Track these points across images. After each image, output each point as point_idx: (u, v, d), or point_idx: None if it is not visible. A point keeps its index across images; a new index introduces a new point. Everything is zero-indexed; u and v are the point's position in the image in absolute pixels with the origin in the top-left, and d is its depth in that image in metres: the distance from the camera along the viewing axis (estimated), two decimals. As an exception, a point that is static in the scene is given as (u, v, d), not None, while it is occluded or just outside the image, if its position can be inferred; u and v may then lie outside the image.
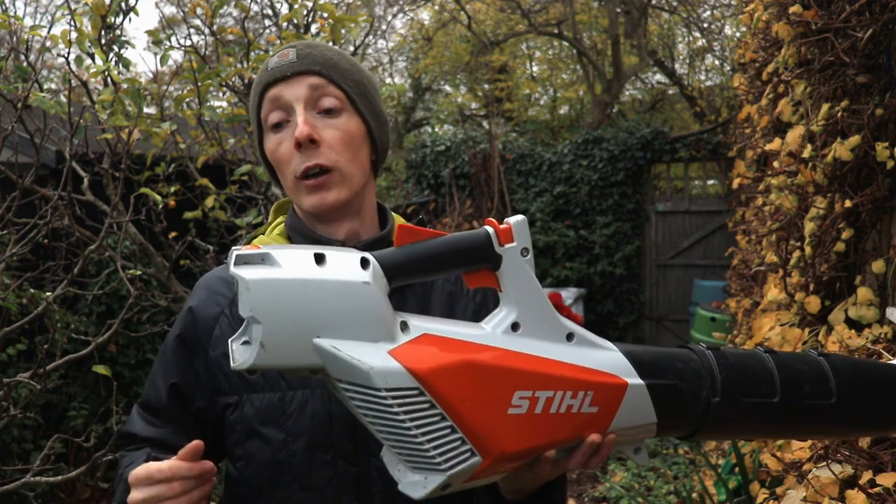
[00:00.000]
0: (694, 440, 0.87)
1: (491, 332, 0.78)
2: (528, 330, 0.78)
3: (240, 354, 0.73)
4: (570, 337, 0.80)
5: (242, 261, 0.72)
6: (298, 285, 0.71)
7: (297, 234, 1.03)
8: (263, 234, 1.08)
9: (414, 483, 0.74)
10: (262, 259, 0.72)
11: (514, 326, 0.78)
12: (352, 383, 0.72)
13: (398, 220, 1.09)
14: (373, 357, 0.71)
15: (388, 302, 0.75)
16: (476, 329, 0.79)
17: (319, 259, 0.73)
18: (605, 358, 0.80)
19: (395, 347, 0.73)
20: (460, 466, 0.73)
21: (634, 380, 0.79)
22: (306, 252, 0.74)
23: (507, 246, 0.77)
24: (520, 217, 0.79)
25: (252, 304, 0.70)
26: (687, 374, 0.81)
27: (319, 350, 0.72)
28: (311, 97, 0.97)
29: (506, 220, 0.78)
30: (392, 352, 0.72)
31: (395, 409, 0.70)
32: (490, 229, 0.78)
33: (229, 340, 0.77)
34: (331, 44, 2.78)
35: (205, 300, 1.03)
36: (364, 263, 0.74)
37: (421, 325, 0.76)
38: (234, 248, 0.74)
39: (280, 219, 1.09)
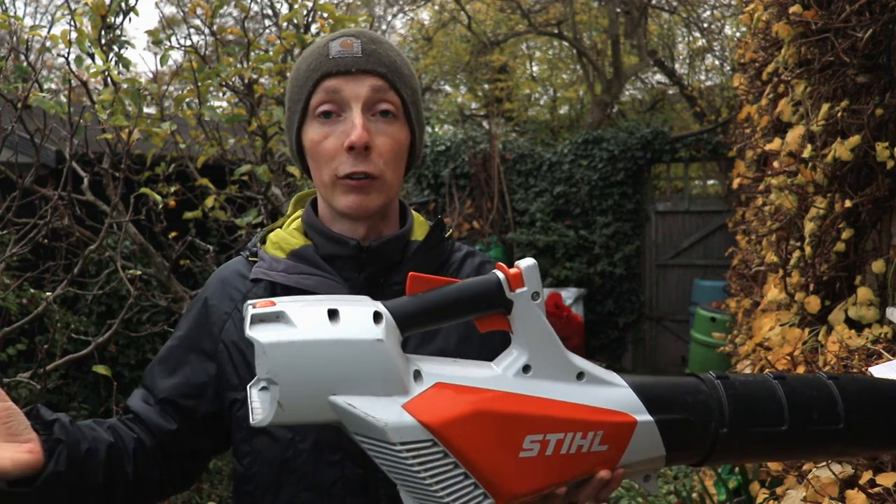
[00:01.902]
0: (702, 467, 0.89)
1: (502, 374, 0.79)
2: (539, 372, 0.80)
3: (259, 411, 0.75)
4: (580, 376, 0.81)
5: (258, 319, 0.73)
6: (313, 347, 0.73)
7: (313, 231, 1.02)
8: (281, 227, 1.07)
9: None
10: (277, 317, 0.73)
11: (526, 369, 0.79)
12: (368, 437, 0.74)
13: (417, 218, 1.08)
14: (387, 413, 0.73)
15: (402, 353, 0.77)
16: (488, 371, 0.80)
17: (333, 315, 0.74)
18: (615, 396, 0.81)
19: (408, 401, 0.74)
20: None
21: (644, 416, 0.80)
22: (320, 308, 0.75)
23: (517, 291, 0.78)
24: (530, 261, 0.79)
25: (269, 366, 0.72)
26: (696, 407, 0.82)
27: (335, 407, 0.74)
28: (370, 98, 0.93)
29: (516, 263, 0.79)
30: (406, 406, 0.74)
31: (410, 462, 0.73)
32: (501, 275, 0.78)
33: (248, 386, 0.78)
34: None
35: (219, 294, 1.02)
36: (377, 318, 0.75)
37: (434, 371, 0.78)
38: (248, 304, 0.75)
39: (298, 212, 1.08)
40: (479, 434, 0.75)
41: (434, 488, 0.74)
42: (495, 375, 0.79)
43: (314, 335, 0.73)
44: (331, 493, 0.94)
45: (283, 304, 0.75)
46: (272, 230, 1.07)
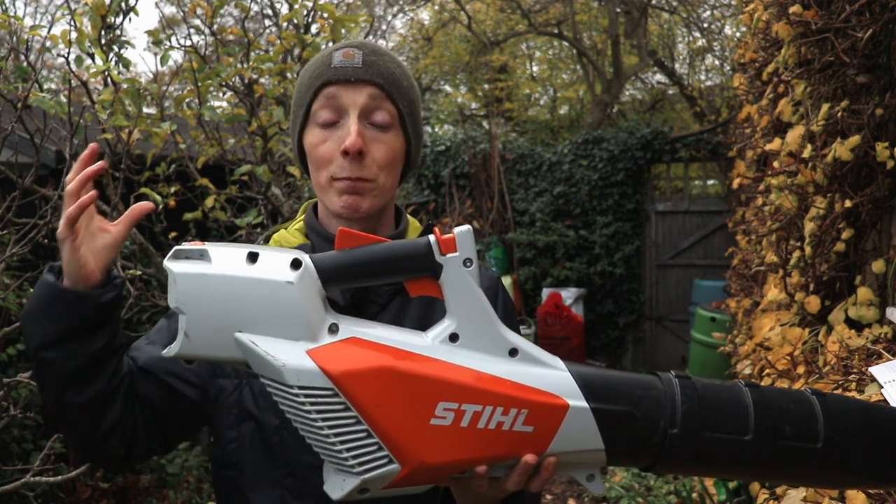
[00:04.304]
0: (656, 473, 0.81)
1: (429, 342, 0.77)
2: (468, 342, 0.77)
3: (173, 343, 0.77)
4: (513, 352, 0.77)
5: (183, 255, 0.75)
6: (222, 281, 0.74)
7: (313, 232, 1.06)
8: (286, 229, 1.11)
9: (333, 483, 0.74)
10: (201, 255, 0.75)
11: (453, 337, 0.77)
12: (270, 379, 0.73)
13: (413, 222, 1.11)
14: (288, 355, 0.72)
15: (319, 303, 0.76)
16: (414, 337, 0.78)
17: (252, 258, 0.75)
18: (549, 377, 0.76)
19: (314, 347, 0.73)
20: (375, 472, 0.73)
21: (578, 402, 0.75)
22: (241, 250, 0.76)
23: (448, 256, 0.76)
24: (465, 227, 0.77)
25: (177, 295, 0.74)
26: (644, 402, 0.76)
27: (239, 344, 0.74)
28: (367, 107, 0.98)
29: (454, 229, 0.77)
30: (310, 351, 0.72)
31: (308, 408, 0.71)
32: (432, 238, 0.77)
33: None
34: (330, 44, 2.79)
35: None
36: (296, 264, 0.75)
37: (353, 328, 0.76)
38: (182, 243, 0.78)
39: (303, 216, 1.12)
40: (385, 392, 0.72)
41: (332, 440, 0.72)
42: (420, 342, 0.77)
43: (225, 271, 0.74)
44: (312, 480, 0.95)
45: (211, 245, 0.77)
46: (277, 230, 1.12)
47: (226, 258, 0.75)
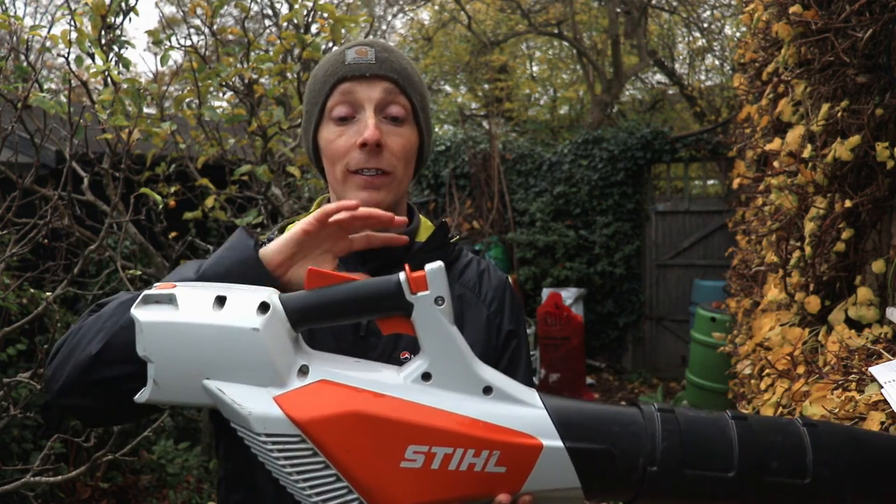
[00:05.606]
0: None
1: (401, 381, 0.76)
2: (440, 381, 0.76)
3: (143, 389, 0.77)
4: (487, 390, 0.76)
5: (153, 300, 0.75)
6: (188, 329, 0.73)
7: None
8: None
9: None
10: (170, 300, 0.75)
11: (426, 376, 0.76)
12: (239, 425, 0.74)
13: (425, 222, 1.13)
14: (254, 402, 0.72)
15: (288, 345, 0.75)
16: (387, 375, 0.77)
17: (220, 302, 0.75)
18: (524, 416, 0.75)
19: (282, 394, 0.73)
20: None
21: (553, 442, 0.74)
22: (210, 293, 0.76)
23: (419, 294, 0.75)
24: (437, 264, 0.76)
25: (144, 344, 0.74)
26: (622, 439, 0.75)
27: (208, 391, 0.74)
28: (382, 101, 1.00)
29: (425, 266, 0.76)
30: (278, 398, 0.72)
31: (276, 455, 0.72)
32: (402, 276, 0.76)
33: None
34: (331, 44, 2.79)
35: None
36: (263, 307, 0.74)
37: (325, 368, 0.76)
38: (154, 286, 0.78)
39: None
40: (353, 436, 0.72)
41: (301, 485, 0.72)
42: (391, 381, 0.76)
43: (191, 319, 0.74)
44: None
45: (180, 287, 0.77)
46: (291, 222, 1.11)
47: (193, 303, 0.75)
